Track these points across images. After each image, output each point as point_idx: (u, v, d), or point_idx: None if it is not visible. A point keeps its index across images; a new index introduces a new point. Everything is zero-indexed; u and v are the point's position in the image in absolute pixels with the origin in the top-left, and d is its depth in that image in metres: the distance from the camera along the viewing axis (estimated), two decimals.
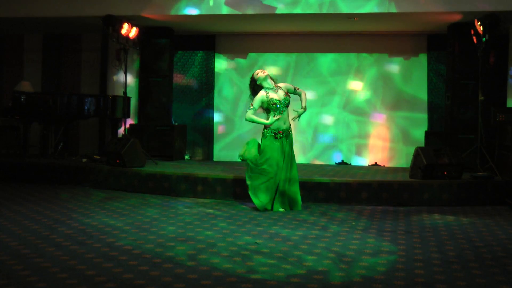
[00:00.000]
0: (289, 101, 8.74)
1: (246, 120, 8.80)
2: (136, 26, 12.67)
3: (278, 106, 8.56)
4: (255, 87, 8.78)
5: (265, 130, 8.70)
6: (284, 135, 8.65)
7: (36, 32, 15.10)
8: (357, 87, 14.00)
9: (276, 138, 8.60)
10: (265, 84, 8.70)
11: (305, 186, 9.63)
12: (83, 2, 12.58)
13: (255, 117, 8.65)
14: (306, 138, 14.12)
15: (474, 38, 11.18)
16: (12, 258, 5.62)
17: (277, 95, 8.62)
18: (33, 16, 12.94)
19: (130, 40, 12.64)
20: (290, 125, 8.81)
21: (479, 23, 11.00)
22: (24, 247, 6.10)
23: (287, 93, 8.76)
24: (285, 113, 8.67)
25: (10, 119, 13.34)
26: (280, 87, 8.76)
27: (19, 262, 5.49)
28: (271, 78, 8.80)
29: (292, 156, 8.82)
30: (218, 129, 14.60)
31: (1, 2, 12.86)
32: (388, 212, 8.95)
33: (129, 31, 12.33)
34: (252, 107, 8.62)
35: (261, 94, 8.62)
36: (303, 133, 14.08)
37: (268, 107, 8.60)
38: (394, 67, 13.94)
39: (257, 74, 8.77)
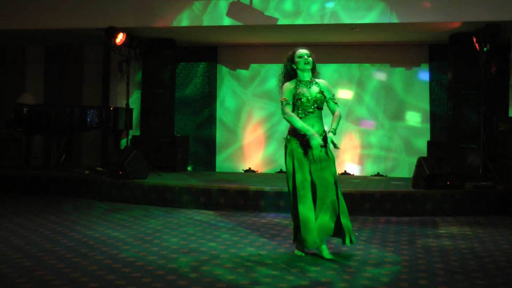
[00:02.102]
0: (321, 102, 6.60)
1: (284, 117, 6.57)
2: (137, 37, 12.70)
3: (303, 101, 6.51)
4: (290, 71, 6.81)
5: (288, 137, 6.64)
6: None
7: (38, 44, 15.12)
8: (359, 97, 14.01)
9: (300, 144, 6.52)
10: (300, 74, 6.71)
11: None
12: (85, 14, 12.59)
13: (295, 117, 6.50)
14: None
15: (477, 45, 11.18)
16: (15, 271, 5.61)
17: (308, 90, 6.57)
18: (35, 29, 12.95)
19: (132, 51, 12.66)
20: (325, 131, 6.71)
21: (476, 38, 11.09)
22: (26, 259, 6.09)
23: (323, 92, 6.64)
24: (313, 115, 6.59)
25: (13, 131, 13.36)
26: (316, 83, 6.69)
27: (21, 275, 5.47)
28: (313, 69, 6.79)
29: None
30: (221, 140, 14.59)
31: (3, 15, 12.89)
32: (391, 222, 8.94)
33: (122, 40, 12.30)
34: (285, 100, 6.56)
35: (289, 83, 6.67)
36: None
37: (293, 103, 6.57)
38: (396, 77, 13.94)
39: (299, 56, 6.72)
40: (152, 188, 10.68)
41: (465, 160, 11.60)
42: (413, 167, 10.60)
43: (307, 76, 6.68)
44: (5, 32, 13.30)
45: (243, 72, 14.55)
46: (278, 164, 14.03)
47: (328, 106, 6.74)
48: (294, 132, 6.54)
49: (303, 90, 6.55)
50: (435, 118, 13.58)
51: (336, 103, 6.75)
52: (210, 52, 14.60)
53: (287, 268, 5.87)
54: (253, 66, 14.44)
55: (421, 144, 13.46)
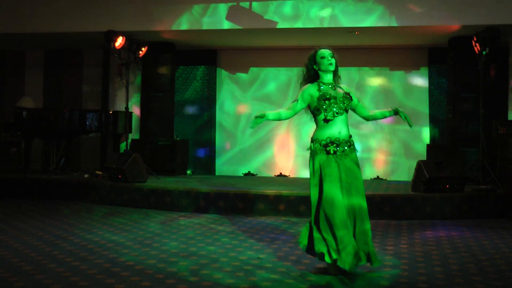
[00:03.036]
0: (348, 103, 6.04)
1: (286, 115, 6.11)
2: (137, 41, 12.72)
3: (331, 101, 5.90)
4: (311, 72, 6.17)
5: (311, 143, 6.16)
6: (340, 149, 5.97)
7: (37, 47, 15.13)
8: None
9: (328, 152, 5.98)
10: (323, 76, 6.10)
11: (307, 200, 9.58)
12: (85, 17, 12.60)
13: (279, 110, 6.12)
14: (309, 153, 14.07)
15: (476, 49, 11.19)
16: (14, 275, 5.61)
17: (334, 92, 6.00)
18: (35, 32, 12.97)
19: (131, 55, 12.67)
20: (351, 136, 6.14)
21: (475, 42, 11.10)
22: (25, 263, 6.08)
23: (350, 95, 6.09)
24: (341, 118, 6.01)
25: (12, 135, 13.35)
26: (340, 86, 6.14)
27: (21, 279, 5.47)
28: (335, 72, 6.17)
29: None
30: (220, 143, 14.59)
31: (2, 18, 12.90)
32: (390, 226, 8.94)
33: (121, 44, 12.31)
34: (296, 100, 6.02)
35: (309, 85, 6.08)
36: (305, 147, 14.03)
37: (317, 106, 5.93)
38: (395, 80, 13.95)
39: (321, 56, 6.12)
40: (152, 191, 10.68)
41: (464, 163, 11.60)
42: (413, 171, 10.60)
43: (329, 78, 6.08)
44: (5, 35, 13.31)
45: (242, 75, 14.56)
46: (277, 167, 14.03)
47: (358, 111, 6.29)
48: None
49: (328, 91, 5.96)
50: (434, 122, 13.59)
51: (362, 102, 6.28)
52: (210, 56, 14.60)
53: (286, 272, 5.87)
54: (253, 69, 14.45)
55: (421, 148, 13.46)
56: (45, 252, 6.67)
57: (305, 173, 13.77)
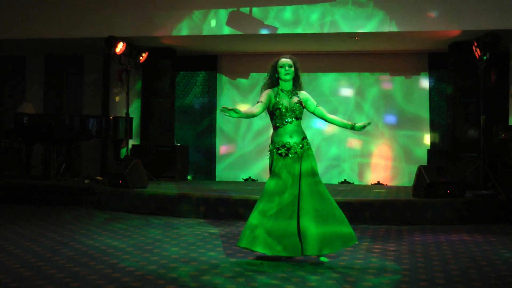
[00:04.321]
0: (300, 112, 6.62)
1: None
2: (137, 46, 12.74)
3: (282, 111, 6.55)
4: (273, 79, 6.80)
5: (270, 145, 6.71)
6: (292, 152, 6.54)
7: (38, 53, 15.16)
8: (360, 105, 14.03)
9: (280, 155, 6.55)
10: (282, 84, 6.74)
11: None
12: (85, 23, 12.63)
13: (247, 110, 6.54)
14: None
15: (477, 54, 11.20)
16: (14, 280, 5.60)
17: (288, 101, 6.61)
18: (35, 38, 12.99)
19: (132, 61, 12.69)
20: (304, 139, 6.65)
21: (475, 47, 11.11)
22: (26, 269, 6.07)
23: (303, 103, 6.69)
24: (291, 125, 6.59)
25: (13, 141, 13.36)
26: (297, 94, 6.73)
27: (21, 285, 5.46)
28: (295, 80, 6.83)
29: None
30: (221, 149, 14.60)
31: (3, 24, 12.92)
32: (391, 231, 8.93)
33: (122, 49, 12.33)
34: (261, 101, 6.58)
35: (270, 91, 6.69)
36: None
37: (273, 112, 6.62)
38: (396, 85, 13.97)
39: (280, 65, 6.76)
40: (152, 197, 10.68)
41: (465, 168, 11.59)
42: (413, 176, 10.60)
43: (288, 86, 6.72)
44: (6, 41, 13.34)
45: (243, 81, 14.58)
46: None
47: (317, 115, 6.77)
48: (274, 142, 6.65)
49: (282, 100, 6.60)
50: (435, 127, 13.60)
51: (320, 106, 6.79)
52: (210, 61, 14.63)
53: (287, 278, 5.85)
54: (253, 75, 14.46)
55: (421, 153, 13.47)
56: (45, 257, 6.66)
57: None
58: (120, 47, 12.22)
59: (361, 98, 14.05)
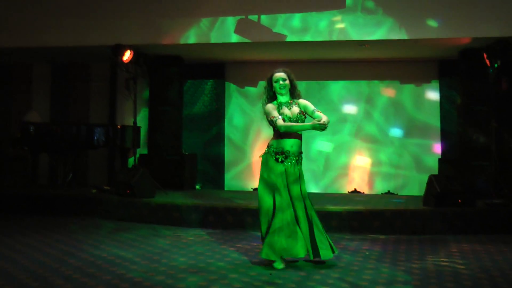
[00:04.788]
0: (302, 122, 7.00)
1: (282, 130, 6.87)
2: (144, 54, 12.77)
3: (285, 121, 6.89)
4: (270, 93, 7.23)
5: (267, 148, 7.10)
6: (289, 160, 6.94)
7: (44, 62, 15.21)
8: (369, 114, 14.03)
9: (276, 160, 6.93)
10: (280, 97, 7.13)
11: (317, 215, 9.60)
12: (92, 31, 12.67)
13: (289, 123, 6.85)
14: (318, 167, 14.11)
15: (487, 61, 11.19)
16: None
17: (290, 111, 7.00)
18: (42, 46, 13.04)
19: (139, 69, 12.72)
20: (301, 153, 7.09)
21: (486, 55, 11.10)
22: (32, 280, 6.10)
23: (303, 112, 7.08)
24: (293, 134, 6.96)
25: (19, 150, 13.39)
26: (296, 103, 7.11)
27: None
28: (292, 91, 7.20)
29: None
30: (229, 158, 14.62)
31: (9, 32, 12.98)
32: (401, 241, 8.91)
33: (129, 58, 12.37)
34: (275, 117, 6.88)
35: (272, 105, 7.07)
36: (315, 162, 14.09)
37: None
38: (406, 93, 13.97)
39: (275, 80, 7.17)
40: (160, 206, 10.69)
41: (476, 177, 11.56)
42: (424, 185, 10.58)
43: (286, 98, 7.12)
44: (12, 49, 13.39)
45: (251, 89, 14.59)
46: None
47: (315, 117, 6.95)
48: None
49: (284, 110, 6.98)
50: (445, 135, 13.58)
51: (319, 111, 7.03)
52: (218, 69, 14.66)
53: None
54: (262, 83, 14.16)
55: (432, 162, 13.45)
56: (52, 268, 6.69)
57: (314, 188, 13.79)
58: (127, 55, 12.26)
59: (371, 106, 14.05)
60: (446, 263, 7.17)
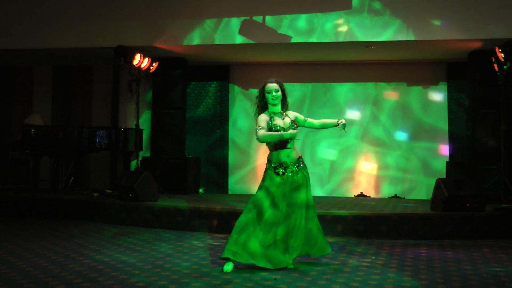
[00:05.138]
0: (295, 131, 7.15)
1: (260, 140, 7.00)
2: (148, 56, 12.78)
3: (280, 131, 7.00)
4: (262, 103, 7.27)
5: (267, 164, 7.18)
6: (289, 170, 7.09)
7: (46, 64, 15.25)
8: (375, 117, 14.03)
9: (277, 174, 7.06)
10: (271, 108, 7.20)
11: (322, 219, 9.60)
12: (94, 33, 12.71)
13: (268, 132, 6.97)
14: (324, 170, 14.11)
15: (495, 66, 11.19)
16: None
17: (282, 122, 7.11)
18: (43, 48, 13.08)
19: (142, 71, 12.74)
20: (300, 158, 7.22)
21: (500, 50, 11.04)
22: (34, 285, 6.10)
23: (295, 122, 7.23)
24: (289, 144, 7.10)
25: (20, 153, 13.41)
26: (287, 115, 7.24)
27: None
28: (283, 102, 7.29)
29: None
30: (233, 161, 14.62)
31: (10, 34, 13.01)
32: (408, 245, 8.91)
33: (141, 61, 12.42)
34: (260, 126, 7.00)
35: (264, 116, 7.14)
36: (320, 165, 14.09)
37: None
38: (413, 96, 13.97)
39: (267, 92, 7.21)
40: (163, 211, 10.70)
41: (485, 181, 11.55)
42: (431, 189, 10.57)
43: (277, 108, 7.20)
44: (13, 51, 13.43)
45: (255, 91, 14.43)
46: None
47: (307, 126, 7.39)
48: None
49: (277, 121, 7.09)
50: (453, 138, 13.57)
51: (309, 118, 7.40)
52: (222, 71, 14.68)
53: None
54: None
55: (440, 165, 13.44)
56: (53, 273, 6.69)
57: (320, 192, 13.79)
58: (138, 59, 12.30)
59: (377, 109, 14.05)
60: (454, 269, 7.16)
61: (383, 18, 11.73)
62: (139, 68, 12.62)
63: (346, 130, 7.21)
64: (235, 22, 12.25)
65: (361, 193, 13.82)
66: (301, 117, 7.33)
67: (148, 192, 11.31)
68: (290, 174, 7.05)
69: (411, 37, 11.60)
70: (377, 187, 13.95)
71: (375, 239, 9.40)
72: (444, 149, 13.70)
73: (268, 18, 12.12)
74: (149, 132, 14.44)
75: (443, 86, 13.79)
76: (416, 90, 13.99)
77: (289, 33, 12.06)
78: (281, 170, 7.04)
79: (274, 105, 7.17)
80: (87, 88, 15.30)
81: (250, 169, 14.52)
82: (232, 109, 14.66)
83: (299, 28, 12.08)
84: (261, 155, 14.40)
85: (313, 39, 12.05)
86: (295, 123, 7.20)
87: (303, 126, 7.35)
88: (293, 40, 12.08)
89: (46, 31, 12.93)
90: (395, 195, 13.65)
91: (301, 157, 7.25)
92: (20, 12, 13.04)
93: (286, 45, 12.28)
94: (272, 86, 7.17)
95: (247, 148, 14.59)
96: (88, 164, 15.06)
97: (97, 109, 15.20)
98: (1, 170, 14.16)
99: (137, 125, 12.50)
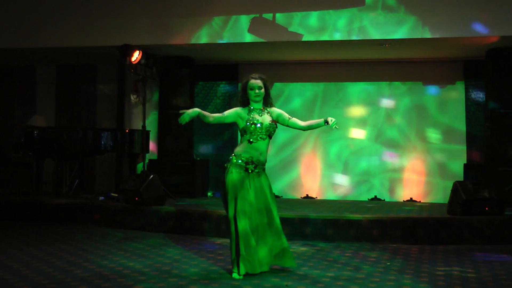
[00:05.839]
0: (273, 130, 7.22)
1: (207, 120, 7.42)
2: (154, 55, 12.79)
3: (257, 127, 7.08)
4: (244, 98, 7.27)
5: (232, 156, 7.27)
6: (257, 170, 7.19)
7: (49, 63, 15.28)
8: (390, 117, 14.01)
9: (245, 170, 7.13)
10: (252, 103, 7.24)
11: (335, 223, 9.62)
12: (99, 31, 12.71)
13: (201, 112, 7.36)
14: (336, 172, 14.09)
15: None
16: None
17: (261, 118, 7.15)
18: (46, 47, 13.10)
19: (148, 70, 12.74)
20: (265, 161, 7.30)
21: None
22: None
23: (275, 121, 7.26)
24: (264, 142, 7.16)
25: (23, 155, 13.44)
26: (268, 112, 7.28)
27: None
28: (265, 99, 7.31)
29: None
30: None
31: (12, 32, 13.05)
32: (425, 251, 8.89)
33: (138, 58, 12.36)
34: (224, 114, 7.29)
35: (240, 108, 7.25)
36: (333, 167, 14.07)
37: (245, 128, 7.15)
38: (429, 96, 13.93)
39: (250, 88, 7.20)
40: (170, 214, 10.72)
41: (504, 184, 11.51)
42: (449, 192, 10.54)
43: (258, 105, 7.25)
44: (15, 51, 13.46)
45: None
46: (304, 189, 14.04)
47: (292, 125, 7.36)
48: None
49: (255, 116, 7.15)
50: (471, 139, 13.52)
51: (292, 118, 7.35)
52: (231, 71, 14.67)
53: None
54: (276, 85, 14.47)
55: (457, 167, 13.40)
56: (58, 279, 6.71)
57: (332, 195, 13.78)
58: (136, 56, 12.26)
59: (392, 109, 14.02)
60: (473, 275, 7.15)
61: (397, 15, 11.70)
62: (145, 67, 12.62)
63: (337, 127, 7.11)
64: (244, 20, 12.25)
65: (375, 196, 13.79)
66: (285, 115, 7.32)
67: (155, 195, 11.32)
68: (256, 173, 7.21)
69: (426, 34, 11.57)
70: (392, 190, 13.91)
71: (390, 244, 9.38)
72: (462, 151, 13.64)
73: (278, 15, 12.11)
74: (155, 133, 14.45)
75: (460, 85, 13.74)
76: (432, 89, 13.95)
77: (300, 31, 12.05)
78: (251, 167, 7.18)
79: (256, 102, 7.24)
80: (91, 88, 15.33)
81: None
82: None
83: (311, 25, 12.07)
84: (271, 157, 14.39)
85: (325, 37, 12.04)
86: (275, 122, 7.26)
87: (287, 125, 7.37)
88: (304, 38, 12.07)
89: (48, 29, 12.95)
90: (411, 198, 13.61)
91: (266, 161, 7.37)
92: (21, 10, 13.07)
93: (297, 43, 12.28)
94: (256, 82, 7.20)
95: None
96: (93, 167, 15.08)
97: (102, 110, 15.23)
98: (3, 172, 14.20)
99: (144, 126, 12.52)
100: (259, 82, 7.20)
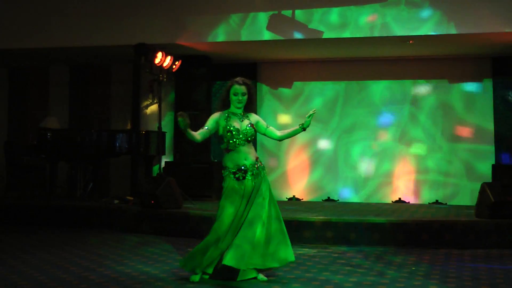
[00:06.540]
0: (251, 135, 7.20)
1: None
2: (170, 55, 12.81)
3: (234, 133, 7.15)
4: (225, 101, 7.44)
5: (223, 170, 7.54)
6: (250, 173, 7.29)
7: (62, 63, 15.35)
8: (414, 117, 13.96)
9: (237, 179, 7.35)
10: (233, 108, 7.34)
11: (358, 227, 9.60)
12: (113, 30, 12.76)
13: (190, 132, 7.44)
14: (359, 175, 14.06)
15: None
16: None
17: (239, 124, 7.19)
18: (59, 47, 13.16)
19: (164, 70, 12.76)
20: (257, 159, 7.34)
21: None
22: None
23: (253, 125, 7.27)
24: (243, 147, 7.22)
25: (36, 158, 13.51)
26: (247, 117, 7.31)
27: None
28: (249, 105, 7.42)
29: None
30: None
31: (24, 33, 13.12)
32: (451, 255, 8.85)
33: (163, 60, 12.42)
34: (205, 127, 7.50)
35: (219, 114, 7.37)
36: (355, 169, 14.05)
37: (222, 136, 7.29)
38: (455, 94, 13.87)
39: (234, 93, 7.33)
40: (187, 218, 10.73)
41: None
42: (476, 194, 10.49)
43: (239, 110, 7.29)
44: (27, 51, 13.54)
45: (285, 90, 14.60)
46: (324, 191, 14.03)
47: (269, 135, 7.43)
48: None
49: (233, 122, 7.18)
50: (500, 139, 13.45)
51: (270, 127, 7.45)
52: (249, 70, 14.65)
53: None
54: (296, 84, 14.48)
55: (485, 168, 13.34)
56: (72, 285, 6.73)
57: (354, 198, 13.76)
58: (159, 58, 12.26)
59: (416, 108, 13.98)
60: (502, 281, 7.11)
61: (422, 10, 11.68)
62: (160, 67, 12.64)
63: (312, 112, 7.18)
64: (262, 17, 12.26)
65: (400, 198, 13.76)
66: (263, 123, 7.38)
67: (171, 198, 11.34)
68: (250, 176, 7.30)
69: (452, 30, 11.53)
70: (416, 192, 13.87)
71: (415, 248, 9.35)
72: (490, 151, 13.58)
73: (297, 12, 12.11)
74: (172, 135, 14.49)
75: (488, 83, 13.68)
76: (458, 87, 13.89)
77: (321, 28, 12.05)
78: (240, 174, 7.31)
79: (238, 108, 7.28)
80: (105, 89, 15.39)
81: (280, 173, 14.50)
82: (260, 110, 14.63)
83: (331, 22, 12.06)
84: (292, 158, 14.41)
85: (346, 34, 12.02)
86: (253, 126, 7.25)
87: (264, 134, 7.42)
88: (325, 36, 12.06)
89: (61, 29, 13.01)
90: (436, 200, 13.57)
91: (258, 157, 7.42)
92: (33, 10, 13.15)
93: (317, 41, 12.27)
94: (240, 88, 7.28)
95: (276, 152, 14.58)
96: (108, 170, 15.14)
97: (117, 111, 15.28)
98: (16, 176, 14.27)
99: (159, 127, 12.54)
100: (243, 88, 7.28)
